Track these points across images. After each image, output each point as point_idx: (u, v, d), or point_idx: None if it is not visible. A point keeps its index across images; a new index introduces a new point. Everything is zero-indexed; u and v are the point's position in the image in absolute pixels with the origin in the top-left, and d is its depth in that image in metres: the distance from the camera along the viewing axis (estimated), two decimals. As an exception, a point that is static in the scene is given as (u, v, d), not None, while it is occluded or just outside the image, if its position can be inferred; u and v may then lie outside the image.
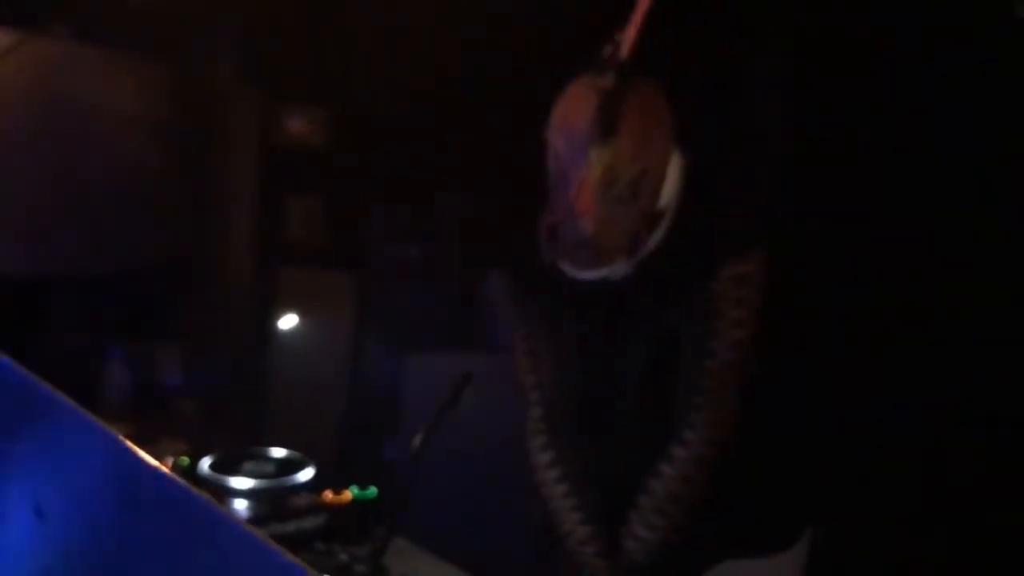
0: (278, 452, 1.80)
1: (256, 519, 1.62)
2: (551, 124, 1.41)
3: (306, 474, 1.72)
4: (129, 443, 0.73)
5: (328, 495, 1.69)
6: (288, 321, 2.43)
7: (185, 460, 1.74)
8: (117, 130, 2.49)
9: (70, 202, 2.38)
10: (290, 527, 1.64)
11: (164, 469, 0.71)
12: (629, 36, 1.37)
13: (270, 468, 1.73)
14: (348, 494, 1.70)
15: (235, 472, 1.70)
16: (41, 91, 2.38)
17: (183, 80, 2.78)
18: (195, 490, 0.67)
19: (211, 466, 1.71)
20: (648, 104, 1.36)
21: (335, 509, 1.68)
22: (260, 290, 2.75)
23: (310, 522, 1.65)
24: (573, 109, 1.38)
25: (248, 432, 2.26)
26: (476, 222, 3.13)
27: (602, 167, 1.33)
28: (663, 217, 1.37)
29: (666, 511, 1.38)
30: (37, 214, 2.35)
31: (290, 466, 1.74)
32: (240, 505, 1.65)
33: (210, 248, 2.88)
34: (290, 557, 0.59)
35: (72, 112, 2.39)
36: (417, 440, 1.44)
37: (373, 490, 1.73)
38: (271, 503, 1.66)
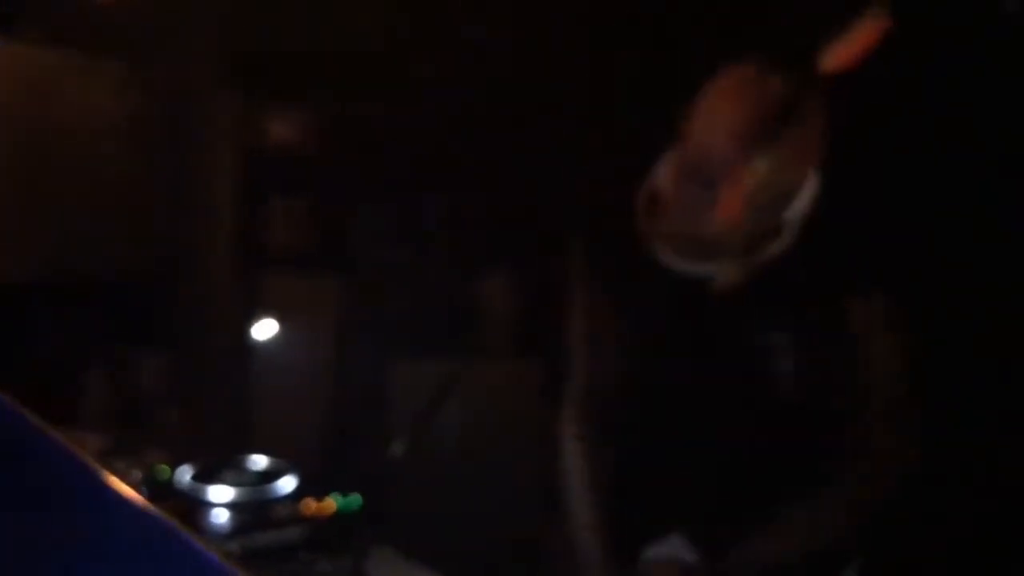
0: (259, 461, 1.76)
1: (236, 530, 1.58)
2: (700, 107, 1.29)
3: (287, 483, 1.68)
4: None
5: (310, 504, 1.65)
6: (271, 327, 2.40)
7: (164, 470, 1.70)
8: (93, 134, 2.45)
9: (46, 208, 2.33)
10: (271, 537, 1.60)
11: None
12: (845, 52, 1.29)
13: (251, 477, 1.69)
14: (331, 503, 1.66)
15: (214, 482, 1.65)
16: (16, 96, 2.34)
17: (159, 82, 2.75)
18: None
19: (190, 476, 1.67)
20: (815, 120, 1.26)
21: (318, 518, 1.64)
22: (243, 295, 2.71)
23: (292, 532, 1.61)
24: (735, 99, 1.26)
25: (231, 441, 2.22)
26: (467, 222, 3.11)
27: (761, 174, 1.24)
28: (785, 229, 1.30)
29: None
30: (13, 220, 2.31)
31: (271, 475, 1.70)
32: (220, 516, 1.61)
33: (191, 254, 2.85)
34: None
35: (47, 116, 2.35)
36: (398, 446, 1.40)
37: (357, 498, 1.69)
38: (251, 513, 1.61)
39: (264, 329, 2.25)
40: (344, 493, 1.68)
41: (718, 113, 1.27)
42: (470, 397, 2.52)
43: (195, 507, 1.61)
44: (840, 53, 1.29)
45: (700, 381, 1.37)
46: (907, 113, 1.91)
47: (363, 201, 3.03)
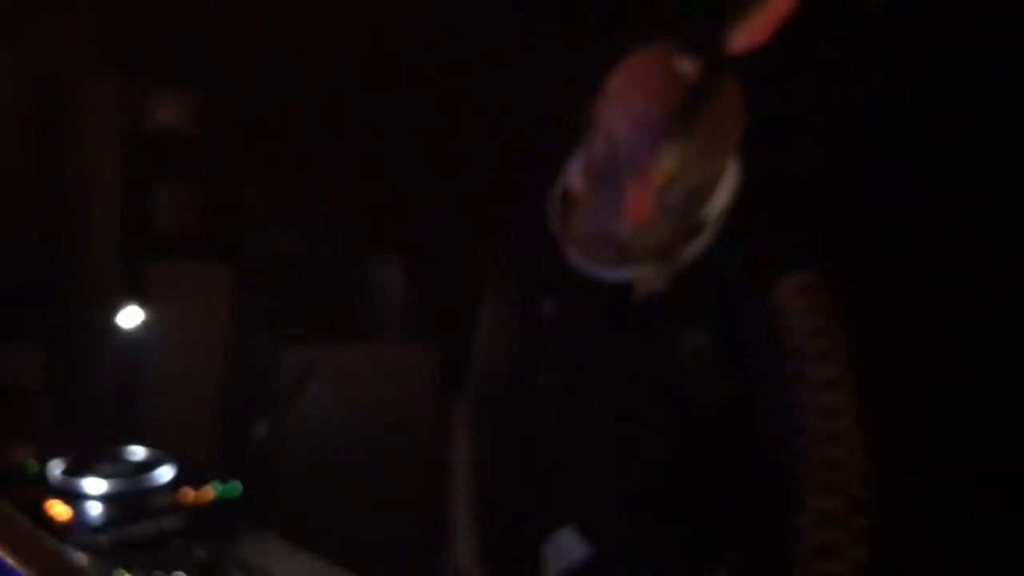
0: (136, 452, 1.74)
1: (110, 522, 1.57)
2: (608, 95, 1.19)
3: (165, 473, 1.67)
4: None
5: (188, 493, 1.64)
6: (153, 314, 2.35)
7: (34, 464, 1.67)
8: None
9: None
10: (148, 528, 1.59)
11: None
12: (756, 28, 1.21)
13: (126, 469, 1.67)
14: (210, 491, 1.65)
15: (88, 474, 1.63)
16: None
17: (35, 63, 2.64)
18: None
19: (62, 470, 1.64)
20: (727, 107, 1.16)
21: (196, 507, 1.64)
22: (125, 283, 2.64)
23: (169, 522, 1.61)
24: (643, 88, 1.16)
25: (112, 432, 2.17)
26: (360, 207, 3.09)
27: (670, 169, 1.13)
28: (704, 228, 1.21)
29: None
30: None
31: (148, 466, 1.68)
32: (93, 508, 1.59)
33: (70, 241, 2.75)
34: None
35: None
36: (260, 432, 1.40)
37: (237, 486, 1.69)
38: (127, 505, 1.60)
39: (145, 317, 2.21)
40: (224, 481, 1.68)
41: (624, 103, 1.17)
42: (357, 382, 2.53)
43: (67, 500, 1.58)
44: (751, 29, 1.22)
45: (610, 380, 1.32)
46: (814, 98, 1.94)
47: (251, 186, 2.98)
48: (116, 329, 2.24)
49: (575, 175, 1.28)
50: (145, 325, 2.26)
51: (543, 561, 1.41)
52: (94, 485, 1.61)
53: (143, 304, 2.46)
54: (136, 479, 1.64)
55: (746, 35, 1.22)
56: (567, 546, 1.41)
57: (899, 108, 1.81)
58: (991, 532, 1.67)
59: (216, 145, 2.97)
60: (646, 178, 1.13)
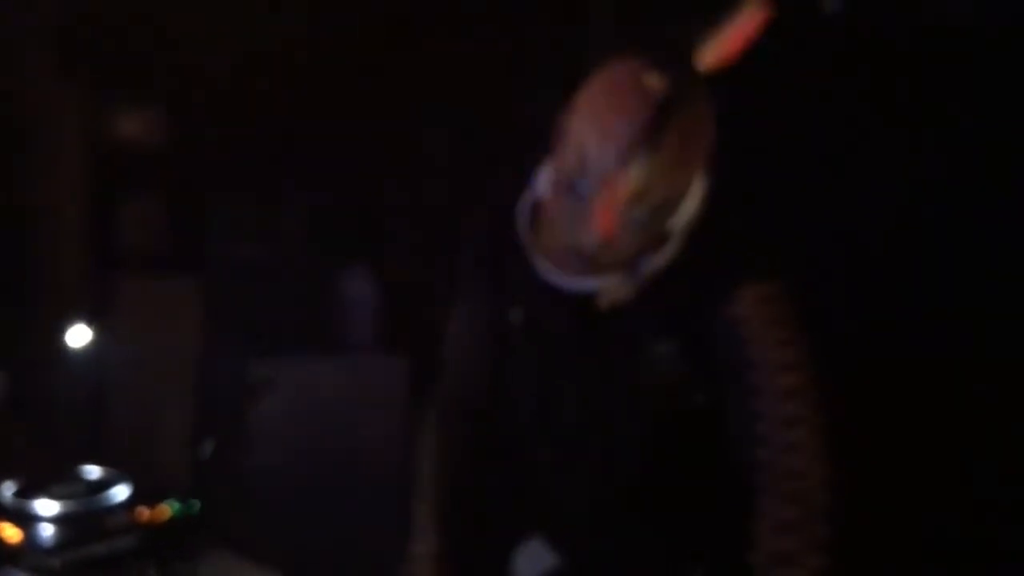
0: (91, 471, 1.70)
1: (63, 543, 1.53)
2: (578, 107, 1.19)
3: (120, 492, 1.64)
4: None
5: (144, 512, 1.61)
6: (117, 331, 2.32)
7: (-14, 486, 1.63)
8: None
9: None
10: (102, 549, 1.55)
11: None
12: (726, 47, 1.18)
13: (80, 488, 1.64)
14: (165, 509, 1.62)
15: (41, 495, 1.59)
16: None
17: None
18: None
19: (14, 492, 1.61)
20: (695, 122, 1.16)
21: (151, 526, 1.60)
22: (90, 300, 2.60)
23: (124, 542, 1.57)
24: (612, 102, 1.15)
25: (70, 452, 2.14)
26: (330, 218, 3.07)
27: (637, 183, 1.13)
28: (669, 239, 1.21)
29: None
30: None
31: (103, 485, 1.65)
32: (46, 530, 1.55)
33: (34, 257, 2.71)
34: None
35: None
36: (207, 448, 1.38)
37: (195, 504, 1.66)
38: (80, 525, 1.57)
39: (107, 333, 2.17)
40: (181, 499, 1.65)
41: (592, 115, 1.17)
42: (325, 393, 2.50)
43: (20, 523, 1.55)
44: (721, 46, 1.19)
45: (578, 390, 1.31)
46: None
47: (218, 199, 2.96)
48: (78, 346, 2.20)
49: (544, 186, 1.28)
50: (107, 341, 2.23)
51: (511, 569, 1.40)
52: (46, 506, 1.57)
53: (107, 320, 2.43)
54: (90, 499, 1.61)
55: (714, 52, 1.19)
56: (536, 555, 1.40)
57: (859, 115, 1.81)
58: (950, 542, 1.66)
59: (182, 158, 2.94)
60: (613, 192, 1.13)
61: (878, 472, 1.61)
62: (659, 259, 1.21)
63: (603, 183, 1.13)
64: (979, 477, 1.66)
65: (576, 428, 1.33)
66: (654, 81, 1.14)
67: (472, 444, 1.45)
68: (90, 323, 2.28)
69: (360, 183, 2.99)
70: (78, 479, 1.68)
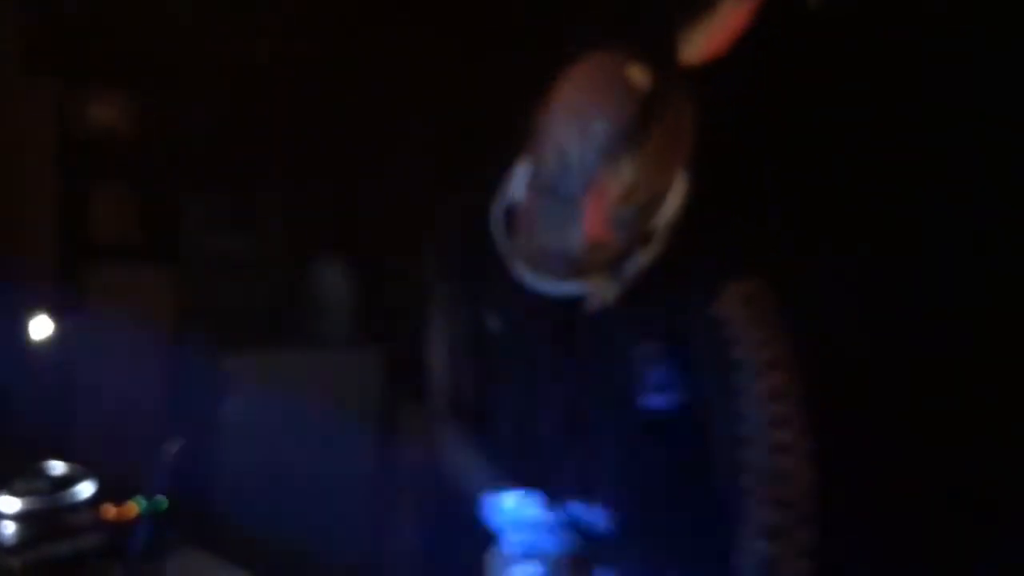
0: (56, 467, 1.66)
1: (25, 542, 1.49)
2: (554, 104, 1.14)
3: (85, 489, 1.59)
4: None
5: (110, 510, 1.57)
6: (86, 323, 2.27)
7: (-54, 484, 1.59)
8: None
9: None
10: (66, 548, 1.51)
11: None
12: (712, 42, 1.16)
13: (44, 485, 1.59)
14: (133, 507, 1.58)
15: (3, 492, 1.55)
16: None
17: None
18: None
19: (-26, 488, 1.56)
20: (678, 118, 1.12)
21: (118, 524, 1.56)
22: (59, 291, 2.55)
23: (88, 540, 1.53)
24: (593, 99, 1.11)
25: (38, 447, 2.09)
26: (305, 210, 3.03)
27: (624, 183, 1.09)
28: (653, 238, 1.17)
29: None
30: None
31: (67, 481, 1.61)
32: (7, 528, 1.51)
33: (4, 249, 2.66)
34: None
35: None
36: (176, 444, 1.34)
37: (163, 501, 1.62)
38: (43, 523, 1.52)
39: (75, 325, 2.13)
40: (149, 495, 1.61)
41: (571, 113, 1.12)
42: (300, 388, 2.47)
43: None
44: (706, 40, 1.18)
45: (564, 394, 1.30)
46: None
47: (194, 189, 2.91)
48: (44, 338, 2.16)
49: (520, 188, 1.24)
50: (75, 333, 2.18)
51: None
52: (8, 503, 1.53)
53: (75, 312, 2.38)
54: (54, 496, 1.56)
55: (698, 48, 1.17)
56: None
57: (844, 112, 1.80)
58: (936, 545, 1.66)
59: (155, 148, 2.90)
60: (602, 194, 1.09)
61: (863, 473, 1.61)
62: (643, 259, 1.18)
63: (589, 184, 1.09)
64: (967, 479, 1.66)
65: (561, 431, 1.32)
66: (637, 76, 1.10)
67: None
68: (58, 315, 2.24)
69: (337, 175, 2.96)
70: (42, 475, 1.63)
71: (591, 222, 1.10)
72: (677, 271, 1.19)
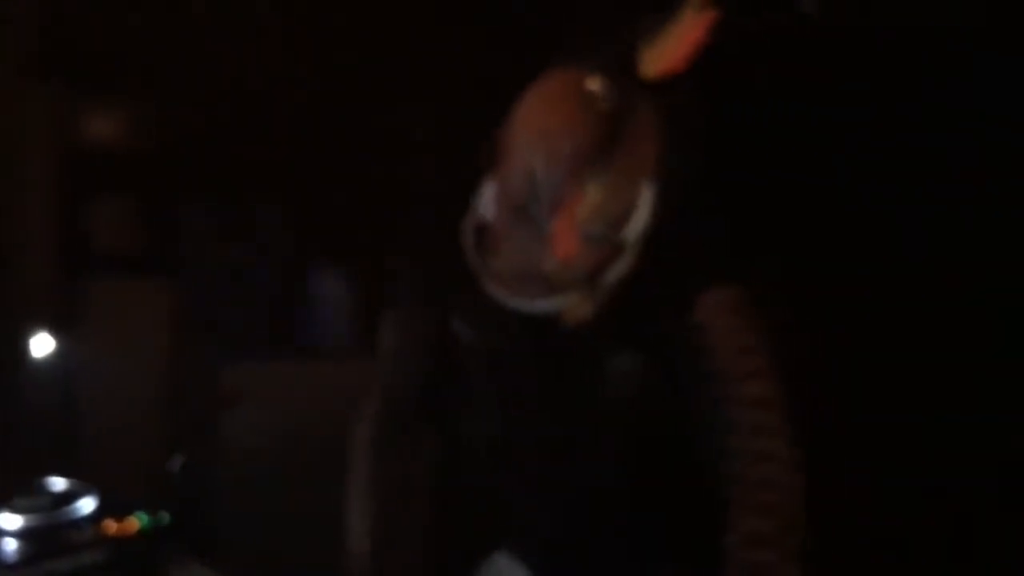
0: (57, 483, 1.65)
1: (26, 559, 1.48)
2: (519, 123, 1.14)
3: (86, 505, 1.59)
4: None
5: (111, 525, 1.57)
6: (86, 336, 2.26)
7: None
8: None
9: None
10: (67, 564, 1.51)
11: None
12: (673, 54, 1.13)
13: (45, 501, 1.58)
14: (134, 522, 1.58)
15: (3, 509, 1.54)
16: None
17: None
18: None
19: (-27, 505, 1.55)
20: (644, 130, 1.13)
21: (120, 540, 1.56)
22: (59, 304, 2.54)
23: (90, 556, 1.52)
24: (556, 117, 1.11)
25: (38, 463, 2.08)
26: (306, 220, 3.03)
27: (593, 200, 1.09)
28: (624, 250, 1.17)
29: None
30: None
31: (68, 497, 1.60)
32: (8, 545, 1.50)
33: (2, 259, 2.65)
34: None
35: None
36: (178, 459, 1.33)
37: (164, 516, 1.61)
38: (44, 540, 1.52)
39: (75, 338, 2.12)
40: (151, 511, 1.61)
41: (535, 133, 1.12)
42: (299, 399, 2.46)
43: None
44: (667, 53, 1.14)
45: (542, 408, 1.29)
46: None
47: (193, 200, 2.90)
48: (44, 352, 2.15)
49: (488, 207, 1.23)
50: (75, 347, 2.17)
51: None
52: (9, 520, 1.52)
53: (75, 325, 2.37)
54: (55, 512, 1.56)
55: (660, 59, 1.14)
56: (504, 569, 1.38)
57: (824, 119, 1.80)
58: (921, 549, 1.66)
59: (155, 159, 2.89)
60: (570, 213, 1.09)
61: (852, 478, 1.60)
62: (617, 272, 1.18)
63: (558, 204, 1.09)
64: (952, 483, 1.66)
65: (541, 447, 1.31)
66: (599, 92, 1.10)
67: (415, 457, 1.40)
68: (58, 329, 2.23)
69: (336, 185, 2.96)
70: (43, 491, 1.63)
71: (561, 242, 1.10)
72: (652, 282, 1.19)
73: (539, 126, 1.12)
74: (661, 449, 1.25)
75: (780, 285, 1.35)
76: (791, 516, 1.12)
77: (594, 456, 1.27)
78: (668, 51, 1.14)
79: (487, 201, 1.24)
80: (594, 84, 1.11)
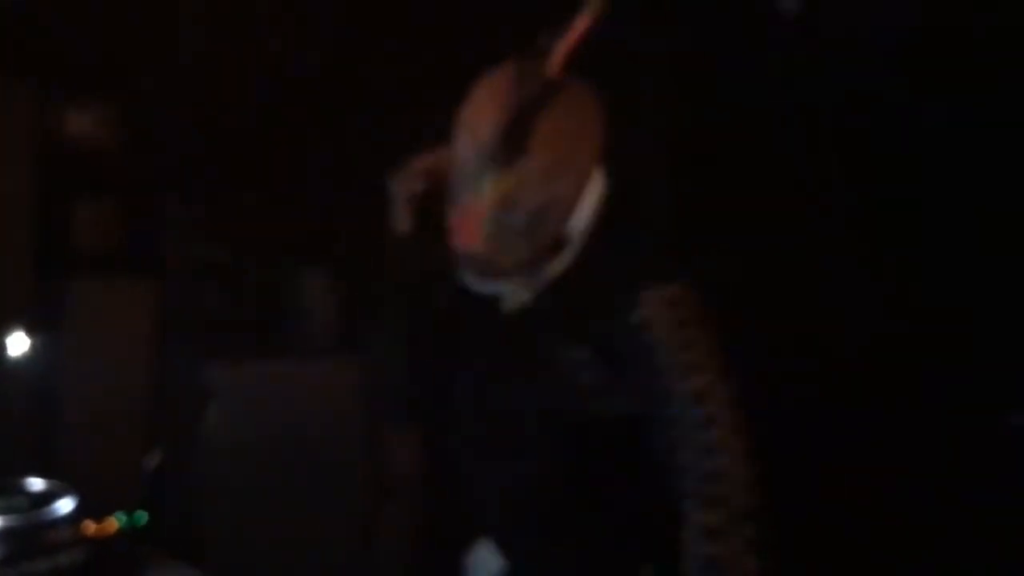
0: (35, 483, 1.65)
1: (4, 560, 1.48)
2: (461, 116, 1.20)
3: (65, 505, 1.58)
4: None
5: (90, 526, 1.57)
6: (70, 337, 2.25)
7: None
8: None
9: None
10: (45, 565, 1.50)
11: None
12: (561, 51, 1.18)
13: (23, 502, 1.58)
14: (113, 522, 1.58)
15: (-22, 510, 1.54)
16: None
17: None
18: None
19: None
20: (576, 118, 1.16)
21: (98, 540, 1.56)
22: (38, 304, 2.53)
23: (68, 557, 1.52)
24: (484, 108, 1.16)
25: (16, 464, 2.08)
26: (287, 218, 3.02)
27: (498, 195, 1.13)
28: (568, 243, 1.20)
29: None
30: None
31: (47, 498, 1.60)
32: (-16, 546, 1.50)
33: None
34: None
35: None
36: (155, 459, 1.34)
37: (142, 516, 1.61)
38: (21, 540, 1.51)
39: (54, 338, 2.11)
40: (129, 511, 1.61)
41: (467, 122, 1.18)
42: (282, 397, 2.46)
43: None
44: (560, 50, 1.20)
45: (494, 395, 1.32)
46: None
47: (174, 200, 2.90)
48: (22, 352, 2.14)
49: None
50: (54, 347, 2.16)
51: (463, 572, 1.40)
52: (-15, 521, 1.52)
53: (55, 325, 2.36)
54: (34, 512, 1.55)
55: (557, 56, 1.20)
56: (486, 558, 1.39)
57: (810, 114, 1.82)
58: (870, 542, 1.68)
59: (137, 158, 2.88)
60: (471, 202, 1.15)
61: (801, 468, 1.62)
62: (557, 264, 1.21)
63: (465, 193, 1.16)
64: (904, 473, 1.68)
65: (501, 439, 1.33)
66: (517, 85, 1.16)
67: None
68: (36, 328, 2.22)
69: (319, 183, 2.96)
70: (21, 492, 1.62)
71: (462, 230, 1.16)
72: (596, 276, 1.22)
73: (469, 116, 1.19)
74: (615, 440, 1.27)
75: (725, 280, 1.37)
76: (743, 507, 1.13)
77: (547, 449, 1.30)
78: (562, 47, 1.20)
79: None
80: (510, 82, 1.17)
